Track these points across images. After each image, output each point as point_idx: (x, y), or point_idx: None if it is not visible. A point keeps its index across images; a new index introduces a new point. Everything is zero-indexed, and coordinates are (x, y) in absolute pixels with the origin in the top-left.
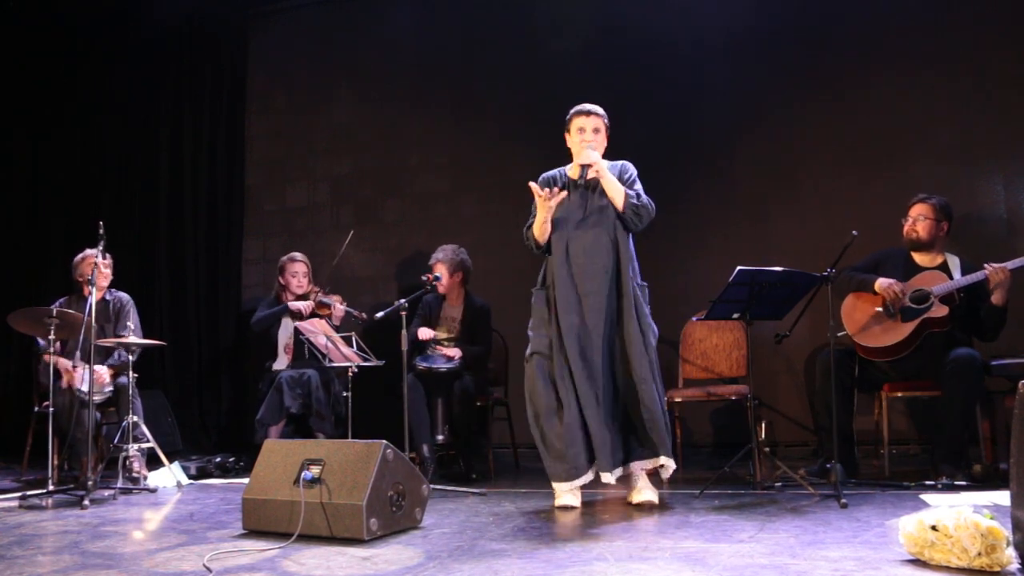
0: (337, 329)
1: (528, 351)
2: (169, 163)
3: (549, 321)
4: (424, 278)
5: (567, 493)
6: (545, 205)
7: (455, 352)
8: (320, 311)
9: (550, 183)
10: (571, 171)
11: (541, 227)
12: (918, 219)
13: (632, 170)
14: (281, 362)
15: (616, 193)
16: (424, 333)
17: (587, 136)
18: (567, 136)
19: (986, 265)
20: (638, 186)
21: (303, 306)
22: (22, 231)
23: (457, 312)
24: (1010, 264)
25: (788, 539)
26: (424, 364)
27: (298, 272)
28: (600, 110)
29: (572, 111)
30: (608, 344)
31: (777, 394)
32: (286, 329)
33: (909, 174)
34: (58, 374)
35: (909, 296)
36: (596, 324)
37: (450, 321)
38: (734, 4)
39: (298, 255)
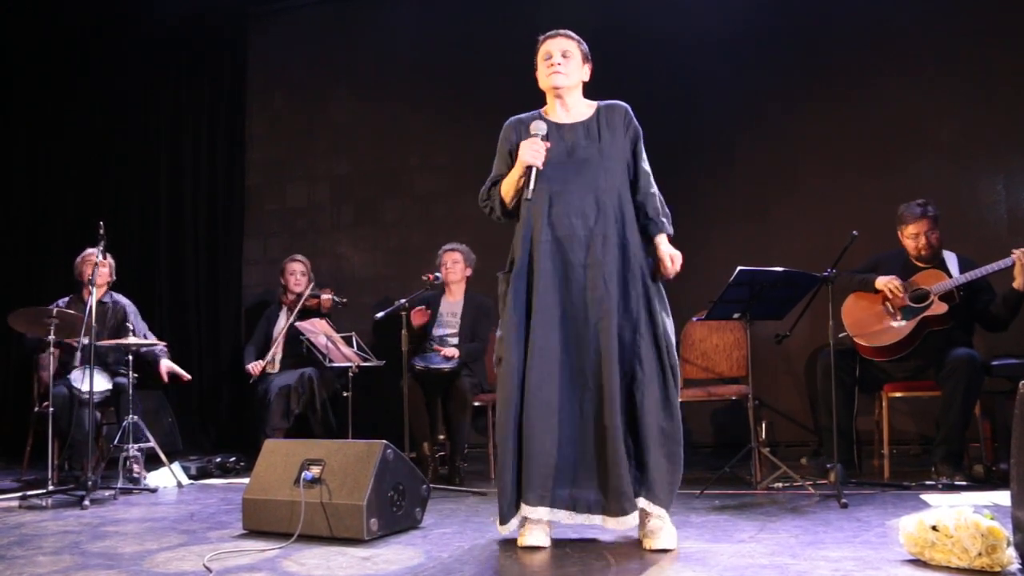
0: (328, 317)
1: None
2: (169, 163)
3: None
4: (424, 277)
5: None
6: (531, 157)
7: (453, 352)
8: (310, 304)
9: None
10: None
11: (515, 184)
12: (920, 235)
13: (633, 119)
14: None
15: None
16: (416, 315)
17: (555, 61)
18: (538, 75)
19: (1014, 251)
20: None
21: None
22: (22, 231)
23: (457, 307)
24: None
25: (788, 539)
26: (422, 364)
27: (295, 271)
28: (571, 33)
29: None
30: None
31: (777, 394)
32: (279, 325)
33: (909, 174)
34: (61, 371)
35: (909, 295)
36: (588, 308)
37: (450, 316)
38: (734, 4)
39: (298, 256)
